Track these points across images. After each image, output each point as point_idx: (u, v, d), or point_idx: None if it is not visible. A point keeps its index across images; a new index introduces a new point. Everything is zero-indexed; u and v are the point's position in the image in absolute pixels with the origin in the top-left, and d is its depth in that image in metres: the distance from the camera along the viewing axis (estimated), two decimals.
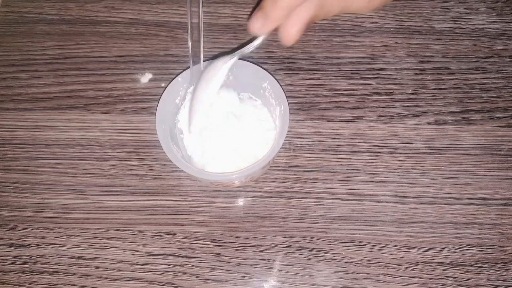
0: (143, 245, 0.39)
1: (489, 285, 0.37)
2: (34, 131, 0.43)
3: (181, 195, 0.41)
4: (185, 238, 0.39)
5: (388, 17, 0.47)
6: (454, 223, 0.39)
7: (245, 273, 0.38)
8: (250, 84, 0.40)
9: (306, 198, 0.40)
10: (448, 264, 0.38)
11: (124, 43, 0.47)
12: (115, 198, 0.41)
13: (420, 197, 0.40)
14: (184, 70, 0.39)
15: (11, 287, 0.38)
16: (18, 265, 0.39)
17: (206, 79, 0.37)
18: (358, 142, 0.42)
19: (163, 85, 0.45)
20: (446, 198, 0.40)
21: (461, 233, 0.39)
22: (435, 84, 0.44)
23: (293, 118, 0.42)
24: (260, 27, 0.34)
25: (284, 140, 0.36)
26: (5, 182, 0.41)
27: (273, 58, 0.45)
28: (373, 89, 0.44)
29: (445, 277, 0.38)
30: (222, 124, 0.39)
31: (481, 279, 0.37)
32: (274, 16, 0.33)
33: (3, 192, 0.41)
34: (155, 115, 0.37)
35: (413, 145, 0.42)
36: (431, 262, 0.38)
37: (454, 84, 0.44)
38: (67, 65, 0.46)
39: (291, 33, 0.34)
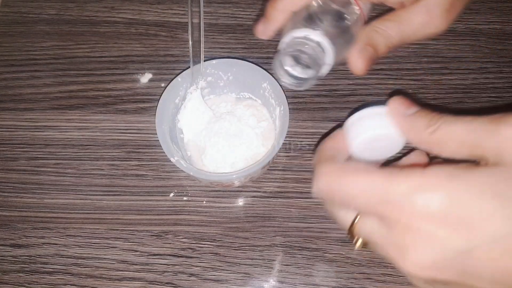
0: (142, 245, 0.39)
1: None
2: (34, 131, 0.43)
3: (181, 195, 0.41)
4: (185, 238, 0.39)
5: None
6: None
7: (245, 273, 0.38)
8: (250, 84, 0.40)
9: (306, 198, 0.40)
10: None
11: (124, 43, 0.47)
12: (115, 198, 0.41)
13: None
14: (184, 70, 0.39)
15: (11, 287, 0.38)
16: (18, 265, 0.39)
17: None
18: None
19: (163, 85, 0.45)
20: None
21: None
22: (435, 84, 0.44)
23: (293, 118, 0.42)
24: (263, 30, 0.36)
25: (284, 140, 0.36)
26: (5, 182, 0.41)
27: (273, 58, 0.45)
28: (373, 89, 0.44)
29: None
30: (222, 124, 0.39)
31: None
32: (273, 18, 0.35)
33: (3, 192, 0.41)
34: (155, 115, 0.37)
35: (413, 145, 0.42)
36: None
37: (454, 84, 0.44)
38: (67, 65, 0.46)
39: (355, 60, 0.35)
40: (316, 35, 0.32)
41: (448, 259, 0.23)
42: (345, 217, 0.28)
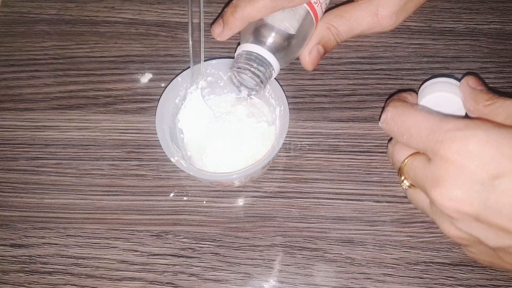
0: (143, 245, 0.39)
1: (489, 285, 0.37)
2: (34, 131, 0.43)
3: (181, 195, 0.41)
4: (185, 238, 0.39)
5: None
6: None
7: (245, 273, 0.38)
8: None
9: (306, 198, 0.40)
10: (448, 264, 0.38)
11: (124, 43, 0.47)
12: (115, 198, 0.41)
13: None
14: (184, 70, 0.39)
15: (11, 287, 0.38)
16: (18, 265, 0.39)
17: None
18: (358, 142, 0.42)
19: (163, 85, 0.45)
20: None
21: None
22: None
23: (293, 118, 0.42)
24: (219, 33, 0.39)
25: (284, 140, 0.36)
26: (5, 182, 0.41)
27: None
28: (373, 89, 0.44)
29: (445, 277, 0.38)
30: (222, 124, 0.39)
31: (481, 279, 0.37)
32: (232, 25, 0.37)
33: (3, 192, 0.41)
34: (155, 115, 0.37)
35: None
36: (431, 262, 0.38)
37: None
38: (67, 65, 0.46)
39: (304, 59, 0.39)
40: (263, 51, 0.35)
41: (473, 191, 0.26)
42: (399, 155, 0.32)
